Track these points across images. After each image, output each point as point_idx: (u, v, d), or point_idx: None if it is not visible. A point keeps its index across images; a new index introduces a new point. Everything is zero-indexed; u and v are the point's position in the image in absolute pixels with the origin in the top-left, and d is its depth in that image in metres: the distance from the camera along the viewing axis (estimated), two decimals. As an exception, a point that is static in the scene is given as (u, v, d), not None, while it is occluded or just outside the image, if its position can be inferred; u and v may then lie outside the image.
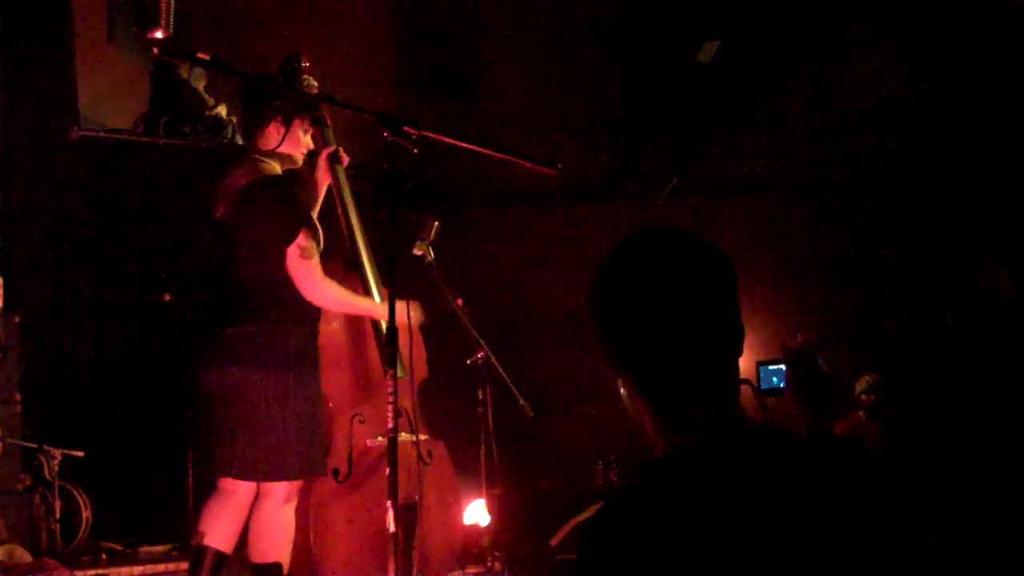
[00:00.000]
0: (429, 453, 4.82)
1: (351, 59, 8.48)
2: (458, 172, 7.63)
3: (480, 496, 5.59)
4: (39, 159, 8.06)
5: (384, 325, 3.90)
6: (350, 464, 4.58)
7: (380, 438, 4.55)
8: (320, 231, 4.44)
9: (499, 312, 7.04)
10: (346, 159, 4.82)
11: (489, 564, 5.48)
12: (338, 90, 4.80)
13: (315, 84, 4.67)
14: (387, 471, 3.61)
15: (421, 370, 4.84)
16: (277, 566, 4.35)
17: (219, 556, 4.31)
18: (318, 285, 4.33)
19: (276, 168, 4.47)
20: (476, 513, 5.75)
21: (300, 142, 4.57)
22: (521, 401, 5.35)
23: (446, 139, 3.96)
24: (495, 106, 8.32)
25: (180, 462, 7.61)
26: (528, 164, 4.17)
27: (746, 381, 2.59)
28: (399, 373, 3.98)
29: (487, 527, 5.58)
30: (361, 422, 4.64)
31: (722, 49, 8.08)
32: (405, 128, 3.75)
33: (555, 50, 8.29)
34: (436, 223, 5.14)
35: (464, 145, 4.07)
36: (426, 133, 3.83)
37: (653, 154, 8.17)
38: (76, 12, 8.47)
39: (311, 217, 4.44)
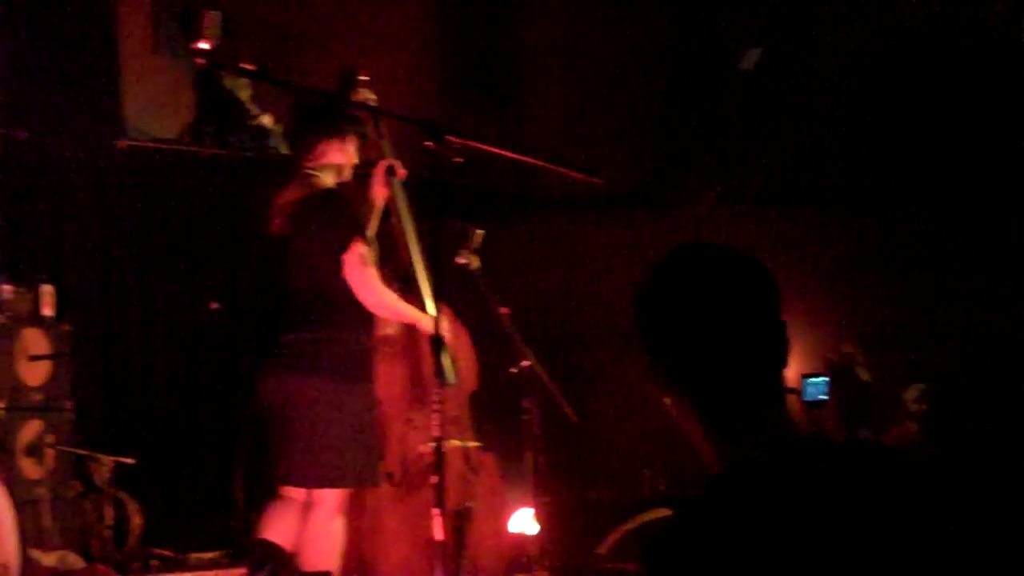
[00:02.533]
0: (479, 463, 4.83)
1: (395, 69, 8.52)
2: (503, 180, 7.64)
3: (527, 505, 5.60)
4: (87, 169, 8.17)
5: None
6: (403, 469, 4.61)
7: (429, 444, 4.57)
8: (375, 243, 4.50)
9: (544, 321, 7.05)
10: (403, 173, 4.83)
11: (537, 574, 5.49)
12: (381, 100, 4.85)
13: (373, 97, 4.71)
14: (434, 478, 3.64)
15: (471, 380, 4.86)
16: (327, 575, 4.39)
17: (282, 551, 4.39)
18: (376, 291, 4.41)
19: (328, 181, 4.54)
20: (523, 522, 5.76)
21: (351, 155, 4.65)
22: (566, 408, 5.37)
23: (489, 148, 3.98)
24: (540, 114, 8.34)
25: (230, 469, 7.70)
26: (572, 173, 4.20)
27: (792, 391, 2.62)
28: (451, 380, 4.05)
29: (535, 536, 5.59)
30: (414, 428, 4.67)
31: (766, 55, 8.06)
32: (448, 137, 3.78)
33: (600, 58, 8.30)
34: (481, 232, 5.16)
35: (507, 154, 4.10)
36: (469, 142, 3.85)
37: (698, 162, 8.16)
38: (121, 22, 8.58)
39: (364, 226, 4.49)
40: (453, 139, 3.79)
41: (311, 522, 4.40)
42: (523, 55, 8.64)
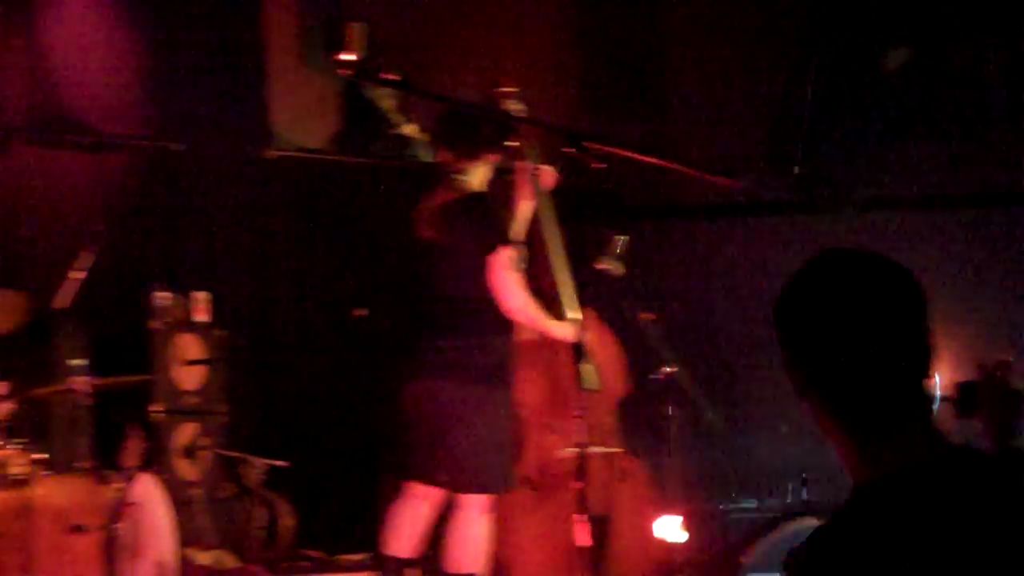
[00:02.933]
0: (626, 470, 4.81)
1: (535, 76, 8.56)
2: (645, 186, 7.61)
3: (673, 513, 5.57)
4: (238, 179, 8.40)
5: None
6: (541, 474, 4.63)
7: (570, 450, 4.58)
8: (520, 248, 4.55)
9: (687, 327, 7.00)
10: (549, 180, 4.83)
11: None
12: (521, 103, 4.88)
13: (520, 107, 4.75)
14: (576, 484, 3.66)
15: (619, 387, 4.85)
16: None
17: (400, 562, 4.46)
18: (517, 296, 4.48)
19: (474, 186, 4.60)
20: (669, 530, 5.73)
21: (495, 164, 4.70)
22: (709, 415, 5.33)
23: (630, 153, 3.97)
24: (682, 119, 8.28)
25: (375, 472, 7.82)
26: (713, 177, 4.18)
27: (947, 398, 2.56)
28: (592, 386, 4.10)
29: (680, 544, 5.56)
30: (553, 432, 4.69)
31: (912, 56, 7.88)
32: (588, 143, 3.79)
33: (743, 61, 8.21)
34: (623, 238, 5.15)
35: (648, 159, 4.08)
36: (609, 148, 3.85)
37: (843, 167, 8.00)
38: (269, 36, 8.81)
39: (509, 232, 4.52)
40: (593, 145, 3.80)
41: (458, 524, 4.48)
42: (664, 60, 8.60)
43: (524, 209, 4.89)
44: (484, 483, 4.50)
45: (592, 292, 4.97)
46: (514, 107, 4.79)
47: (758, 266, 7.54)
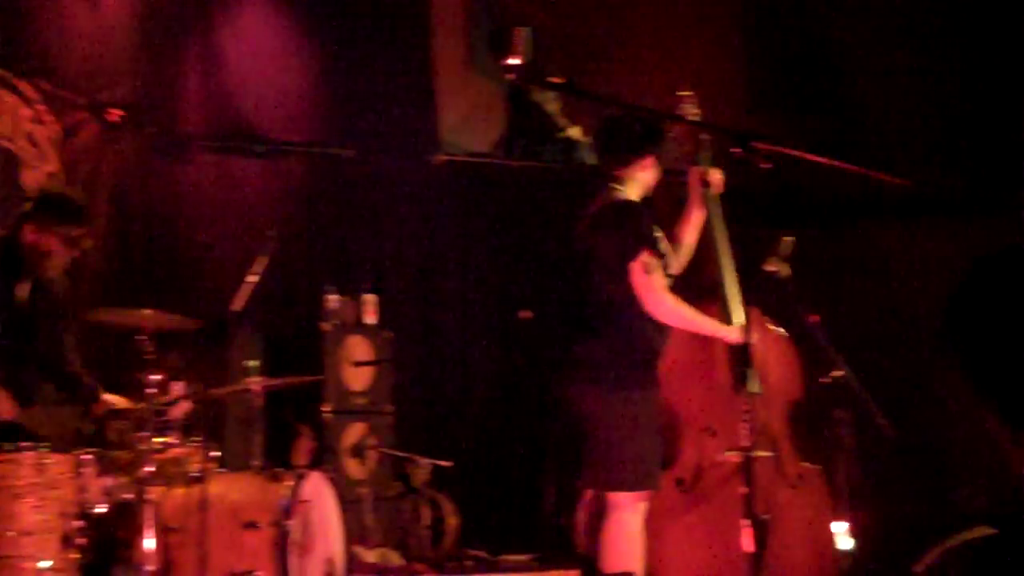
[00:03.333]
0: (798, 475, 4.69)
1: (701, 77, 8.46)
2: (812, 186, 7.45)
3: (841, 519, 5.44)
4: (405, 183, 8.53)
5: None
6: (696, 477, 4.57)
7: (729, 453, 4.51)
8: (668, 252, 4.52)
9: (856, 329, 6.81)
10: (718, 183, 4.79)
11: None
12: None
13: (695, 112, 4.71)
14: (736, 487, 3.61)
15: (791, 390, 4.74)
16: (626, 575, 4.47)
17: None
18: (659, 299, 4.46)
19: (630, 194, 4.67)
20: (838, 536, 5.60)
21: (654, 174, 4.74)
22: (881, 420, 5.17)
23: (797, 153, 3.90)
24: (851, 118, 8.08)
25: (541, 473, 7.84)
26: (883, 177, 4.08)
27: None
28: (753, 390, 4.09)
29: (848, 551, 5.42)
30: (712, 435, 4.62)
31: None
32: (755, 144, 3.73)
33: (912, 58, 7.97)
34: (790, 239, 5.05)
35: (816, 159, 4.00)
36: (777, 147, 3.78)
37: (1017, 166, 7.68)
38: (437, 40, 8.92)
39: (653, 237, 4.51)
40: (761, 145, 3.74)
41: (608, 524, 4.53)
42: (832, 58, 8.40)
43: (695, 214, 4.85)
44: (624, 482, 4.51)
45: (760, 294, 4.89)
46: (691, 111, 4.76)
47: (930, 266, 7.31)
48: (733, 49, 8.84)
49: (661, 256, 4.54)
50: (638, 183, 4.75)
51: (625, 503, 4.53)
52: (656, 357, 4.60)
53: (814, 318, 5.15)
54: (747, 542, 3.81)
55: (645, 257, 4.47)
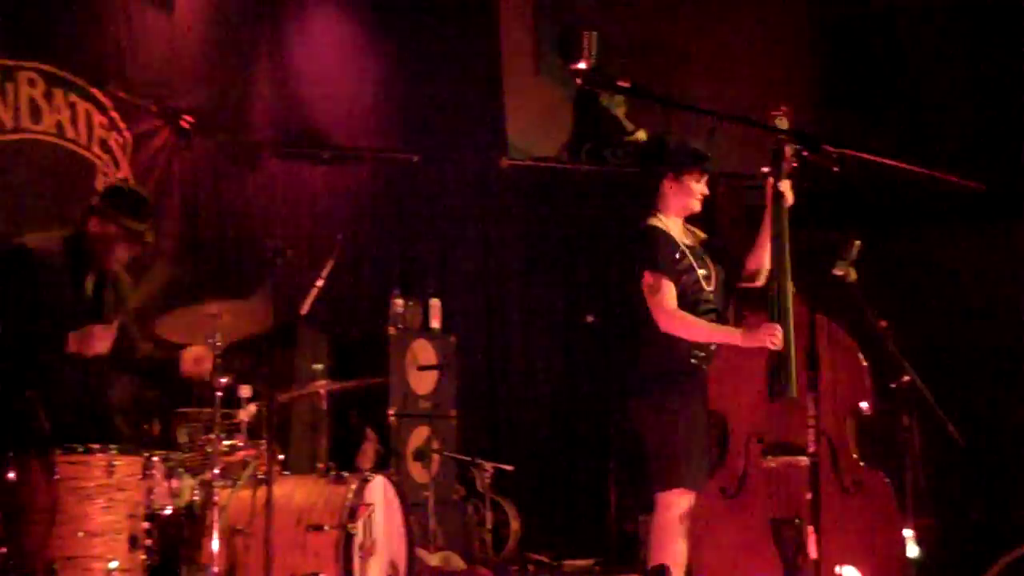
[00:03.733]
0: (857, 482, 4.61)
1: (769, 81, 8.41)
2: (883, 189, 7.36)
3: (906, 526, 5.35)
4: (472, 188, 8.56)
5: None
6: (740, 483, 4.55)
7: (770, 457, 4.49)
8: (710, 268, 4.80)
9: (925, 334, 6.71)
10: (789, 197, 4.77)
11: (916, 598, 5.23)
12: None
13: (784, 124, 4.69)
14: (775, 492, 3.63)
15: (855, 395, 4.66)
16: (659, 568, 4.65)
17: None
18: (661, 316, 4.69)
19: (664, 212, 4.85)
20: (904, 544, 5.51)
21: (692, 192, 4.86)
22: (950, 428, 5.08)
23: (867, 156, 3.86)
24: (919, 119, 7.98)
25: (604, 479, 7.83)
26: (954, 180, 4.02)
27: None
28: (789, 394, 4.33)
29: (914, 559, 5.33)
30: (759, 441, 4.60)
31: None
32: (825, 147, 3.71)
33: (977, 60, 7.86)
34: (858, 242, 4.99)
35: (886, 162, 3.95)
36: (846, 151, 3.75)
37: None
38: (506, 47, 8.95)
39: (658, 260, 4.72)
40: (830, 148, 3.71)
41: (652, 522, 4.76)
42: (901, 62, 8.30)
43: (768, 223, 4.85)
44: (658, 480, 4.74)
45: (827, 298, 4.84)
46: (781, 124, 4.75)
47: (1001, 271, 7.20)
48: (803, 53, 8.78)
49: (676, 275, 4.72)
50: (673, 203, 4.89)
51: (664, 501, 4.71)
52: (693, 367, 4.73)
53: (882, 323, 5.08)
54: (812, 549, 3.78)
55: (649, 279, 4.70)
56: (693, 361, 4.75)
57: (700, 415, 4.66)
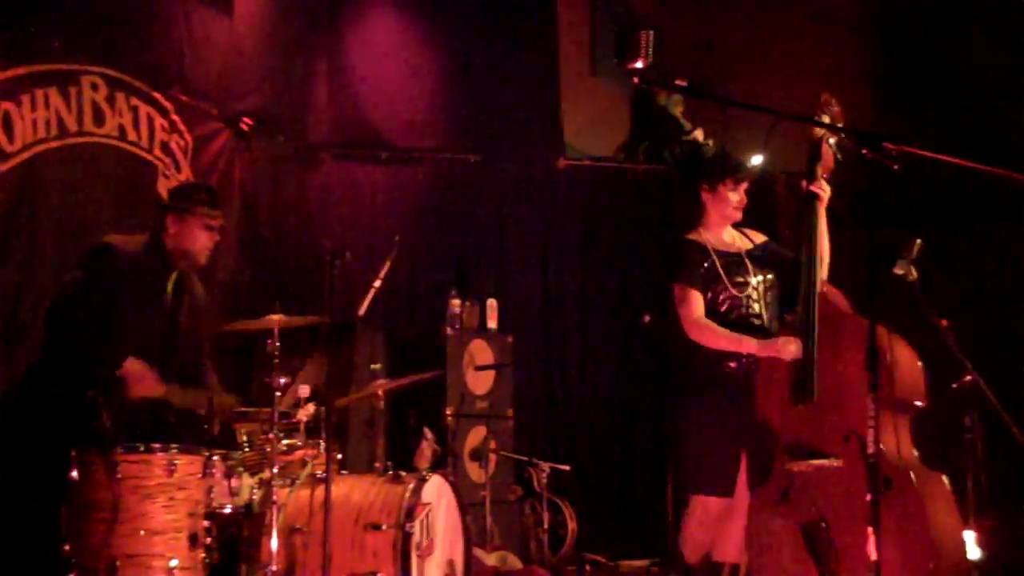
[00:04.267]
0: (887, 480, 4.57)
1: (830, 77, 8.33)
2: (943, 187, 7.27)
3: (969, 528, 5.29)
4: (529, 188, 8.57)
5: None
6: (786, 489, 4.54)
7: (795, 462, 4.49)
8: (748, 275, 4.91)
9: (987, 333, 6.62)
10: (823, 196, 4.77)
11: (978, 601, 5.17)
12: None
13: (830, 115, 4.70)
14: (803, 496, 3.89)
15: (916, 397, 4.60)
16: (683, 565, 4.94)
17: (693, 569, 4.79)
18: (686, 325, 4.87)
19: (700, 233, 4.99)
20: (966, 545, 5.45)
21: (728, 201, 4.97)
22: (1014, 428, 5.01)
23: (929, 154, 3.82)
24: (980, 117, 7.86)
25: (661, 479, 7.79)
26: (1019, 177, 3.97)
27: None
28: (810, 399, 4.43)
29: (976, 561, 5.27)
30: (796, 448, 4.58)
31: None
32: (886, 144, 3.68)
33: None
34: (918, 241, 4.95)
35: (947, 159, 3.91)
36: (907, 148, 3.71)
37: None
38: (563, 46, 8.95)
39: (685, 271, 4.90)
40: (891, 146, 3.68)
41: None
42: (963, 58, 8.19)
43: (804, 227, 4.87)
44: (688, 483, 4.96)
45: (888, 298, 4.80)
46: (827, 115, 4.74)
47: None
48: (862, 50, 8.69)
49: (704, 286, 4.86)
50: (711, 213, 5.00)
51: (695, 504, 4.90)
52: (725, 375, 4.83)
53: (943, 322, 5.02)
54: (872, 551, 3.75)
55: (676, 290, 4.90)
56: (726, 371, 4.83)
57: (727, 423, 4.77)
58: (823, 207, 4.80)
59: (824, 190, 4.78)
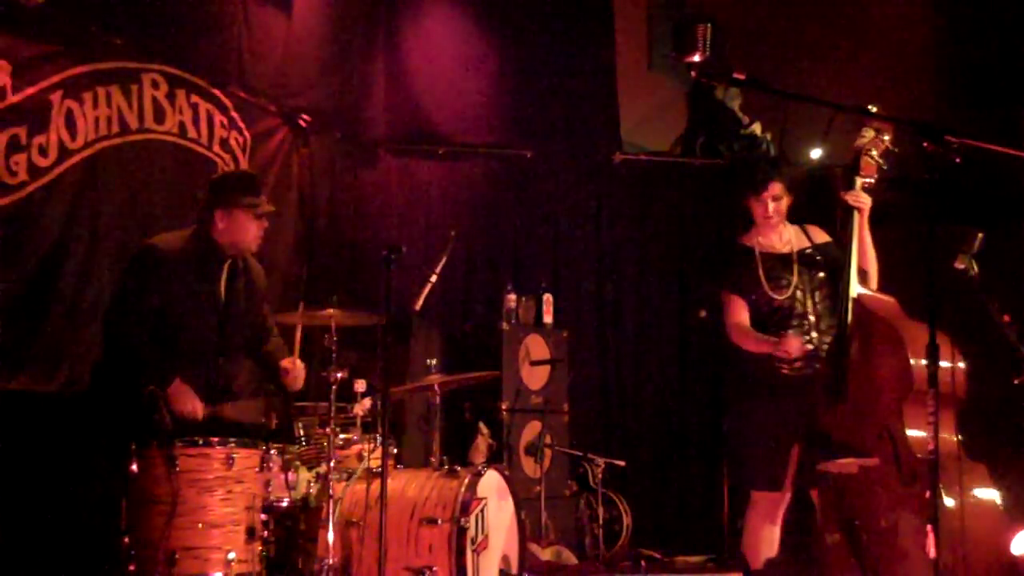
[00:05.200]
0: (915, 474, 4.53)
1: (892, 71, 8.24)
2: (1004, 181, 7.17)
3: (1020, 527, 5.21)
4: (585, 183, 8.55)
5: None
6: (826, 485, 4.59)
7: (827, 461, 4.53)
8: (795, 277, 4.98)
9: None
10: (861, 207, 4.78)
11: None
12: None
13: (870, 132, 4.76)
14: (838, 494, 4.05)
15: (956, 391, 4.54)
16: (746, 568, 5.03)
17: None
18: (728, 332, 5.06)
19: (751, 237, 5.11)
20: (1016, 545, 5.37)
21: (767, 209, 5.06)
22: (1069, 422, 4.94)
23: (990, 147, 3.77)
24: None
25: (716, 474, 7.76)
26: (1077, 169, 3.91)
27: None
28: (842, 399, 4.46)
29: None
30: (839, 448, 4.59)
31: None
32: (946, 137, 3.65)
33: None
34: (980, 235, 4.89)
35: (1009, 151, 3.86)
36: (969, 141, 3.67)
37: None
38: (619, 42, 8.92)
39: (726, 279, 5.08)
40: (952, 139, 3.64)
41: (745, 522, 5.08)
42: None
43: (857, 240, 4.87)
44: (743, 479, 5.15)
45: (947, 292, 4.74)
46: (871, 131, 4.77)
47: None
48: (925, 44, 8.57)
49: (744, 290, 4.98)
50: (758, 218, 5.10)
51: (753, 500, 5.00)
52: (781, 376, 4.89)
53: (1006, 317, 4.95)
54: (931, 548, 3.71)
55: (722, 296, 5.08)
56: (781, 374, 4.91)
57: (776, 421, 4.84)
58: (863, 218, 4.83)
59: (861, 202, 4.80)
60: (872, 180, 4.84)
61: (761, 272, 5.00)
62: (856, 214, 4.79)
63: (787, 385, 4.86)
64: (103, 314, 5.14)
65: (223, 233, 5.04)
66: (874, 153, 4.82)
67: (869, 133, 4.82)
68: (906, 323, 4.55)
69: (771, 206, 5.04)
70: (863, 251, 4.84)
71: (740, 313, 5.00)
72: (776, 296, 4.95)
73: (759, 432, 4.93)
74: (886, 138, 4.81)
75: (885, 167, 4.84)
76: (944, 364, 4.24)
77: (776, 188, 5.05)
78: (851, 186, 4.81)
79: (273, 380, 5.36)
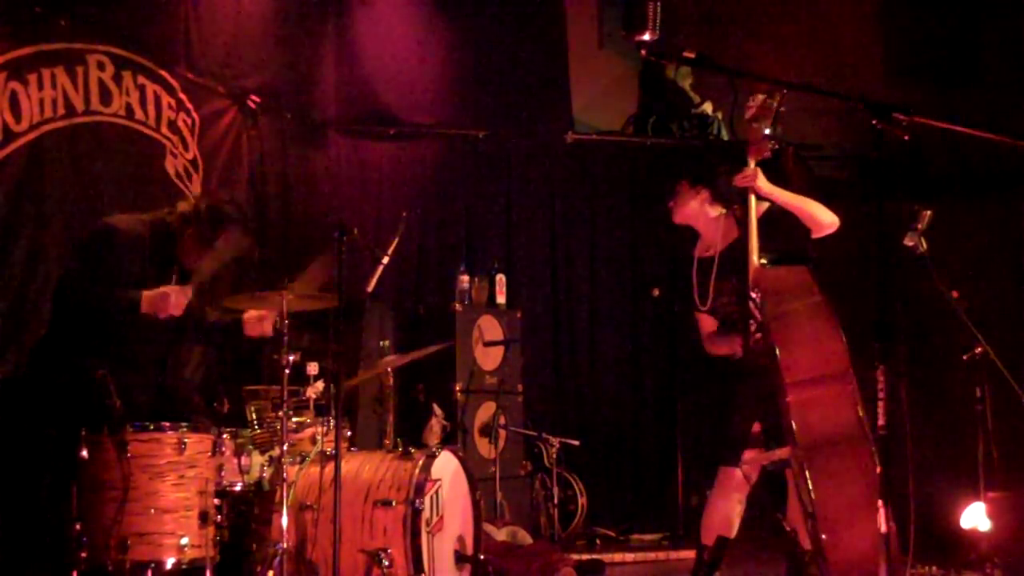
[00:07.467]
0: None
1: (839, 49, 8.29)
2: (954, 159, 7.24)
3: (978, 499, 5.29)
4: (537, 163, 8.54)
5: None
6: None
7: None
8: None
9: (997, 305, 6.60)
10: (746, 183, 4.64)
11: (988, 571, 5.17)
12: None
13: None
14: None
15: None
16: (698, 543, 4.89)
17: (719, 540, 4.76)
18: (708, 345, 4.90)
19: (692, 251, 5.02)
20: (974, 517, 5.45)
21: (705, 204, 5.03)
22: (1023, 397, 5.01)
23: (941, 124, 3.78)
24: (992, 92, 7.81)
25: (671, 453, 7.80)
26: (1024, 146, 3.93)
27: None
28: None
29: (986, 532, 5.27)
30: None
31: None
32: (895, 115, 3.65)
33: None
34: (928, 213, 4.94)
35: (958, 129, 3.88)
36: (918, 119, 3.69)
37: None
38: (570, 22, 8.90)
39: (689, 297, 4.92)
40: (900, 117, 3.65)
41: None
42: (969, 29, 8.13)
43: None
44: (711, 455, 5.00)
45: (897, 269, 4.79)
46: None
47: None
48: (872, 23, 8.63)
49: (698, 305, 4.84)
50: (696, 219, 5.04)
51: (717, 476, 4.82)
52: (722, 360, 4.81)
53: (954, 293, 5.01)
54: (883, 523, 3.75)
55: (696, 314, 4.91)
56: (736, 360, 4.78)
57: (737, 401, 4.74)
58: (752, 196, 4.56)
59: (748, 180, 4.55)
60: (766, 147, 4.59)
61: (694, 283, 4.90)
62: (748, 193, 4.57)
63: (747, 371, 4.69)
64: (52, 294, 5.09)
65: (186, 252, 5.06)
66: (762, 121, 4.55)
67: (758, 98, 4.64)
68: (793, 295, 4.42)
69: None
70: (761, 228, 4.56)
71: (705, 325, 4.89)
72: (702, 306, 4.84)
73: (719, 407, 4.89)
74: (774, 103, 4.54)
75: (770, 132, 4.64)
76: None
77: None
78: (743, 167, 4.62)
79: (236, 337, 5.33)
